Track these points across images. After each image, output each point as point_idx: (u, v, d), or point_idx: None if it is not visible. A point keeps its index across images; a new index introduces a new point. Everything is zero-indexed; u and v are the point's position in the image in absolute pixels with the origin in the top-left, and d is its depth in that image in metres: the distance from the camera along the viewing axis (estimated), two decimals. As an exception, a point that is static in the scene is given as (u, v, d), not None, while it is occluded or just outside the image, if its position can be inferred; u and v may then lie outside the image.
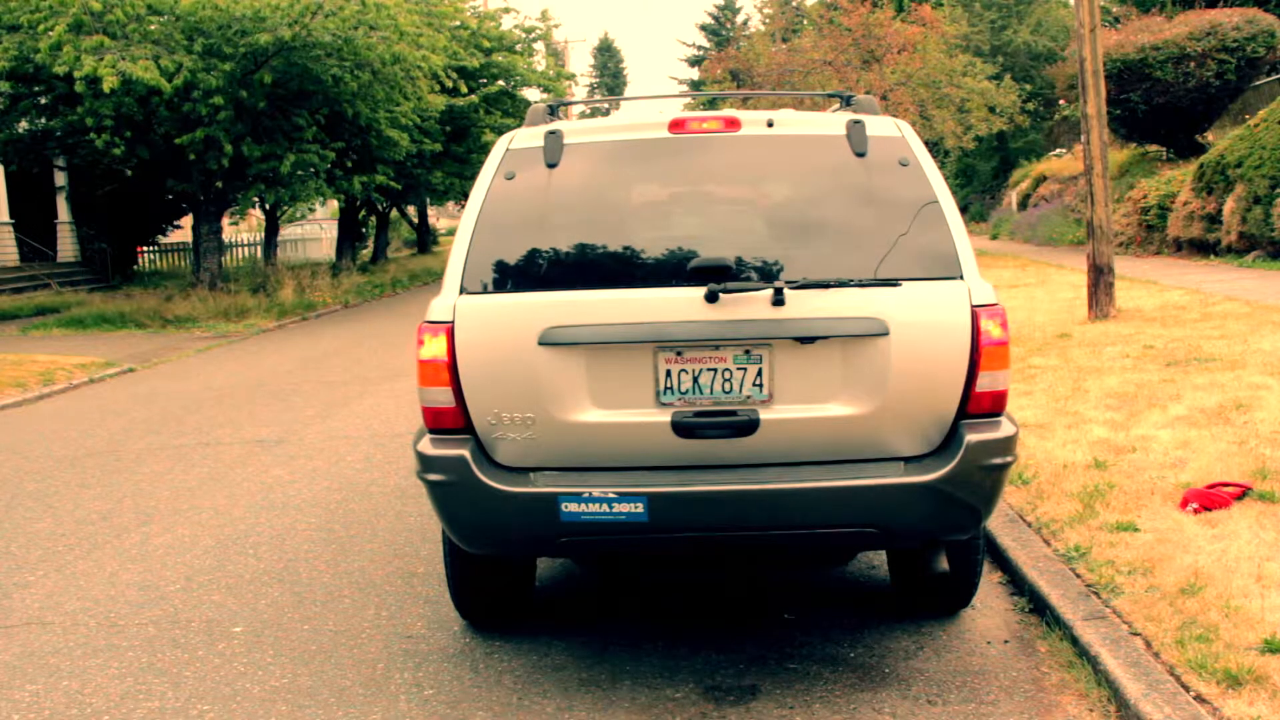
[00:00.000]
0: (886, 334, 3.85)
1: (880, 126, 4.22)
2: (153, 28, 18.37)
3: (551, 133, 4.22)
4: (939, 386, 3.90)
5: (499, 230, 4.07)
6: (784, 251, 4.02)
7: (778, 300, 3.82)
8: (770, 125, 4.22)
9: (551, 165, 4.17)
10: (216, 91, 18.42)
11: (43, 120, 22.13)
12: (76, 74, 17.26)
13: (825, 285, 3.88)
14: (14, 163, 24.50)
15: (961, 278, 3.95)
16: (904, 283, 3.90)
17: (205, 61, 18.31)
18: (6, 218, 28.07)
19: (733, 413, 3.89)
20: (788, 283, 3.86)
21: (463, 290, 4.00)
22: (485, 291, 4.00)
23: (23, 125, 22.23)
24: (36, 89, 20.17)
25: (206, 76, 18.17)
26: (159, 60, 17.71)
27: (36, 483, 7.94)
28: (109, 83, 16.92)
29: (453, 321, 3.95)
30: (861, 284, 3.89)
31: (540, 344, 3.88)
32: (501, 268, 4.03)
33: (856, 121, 4.19)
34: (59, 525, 6.76)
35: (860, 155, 4.12)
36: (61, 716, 4.15)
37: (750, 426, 3.87)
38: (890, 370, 3.86)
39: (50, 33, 17.29)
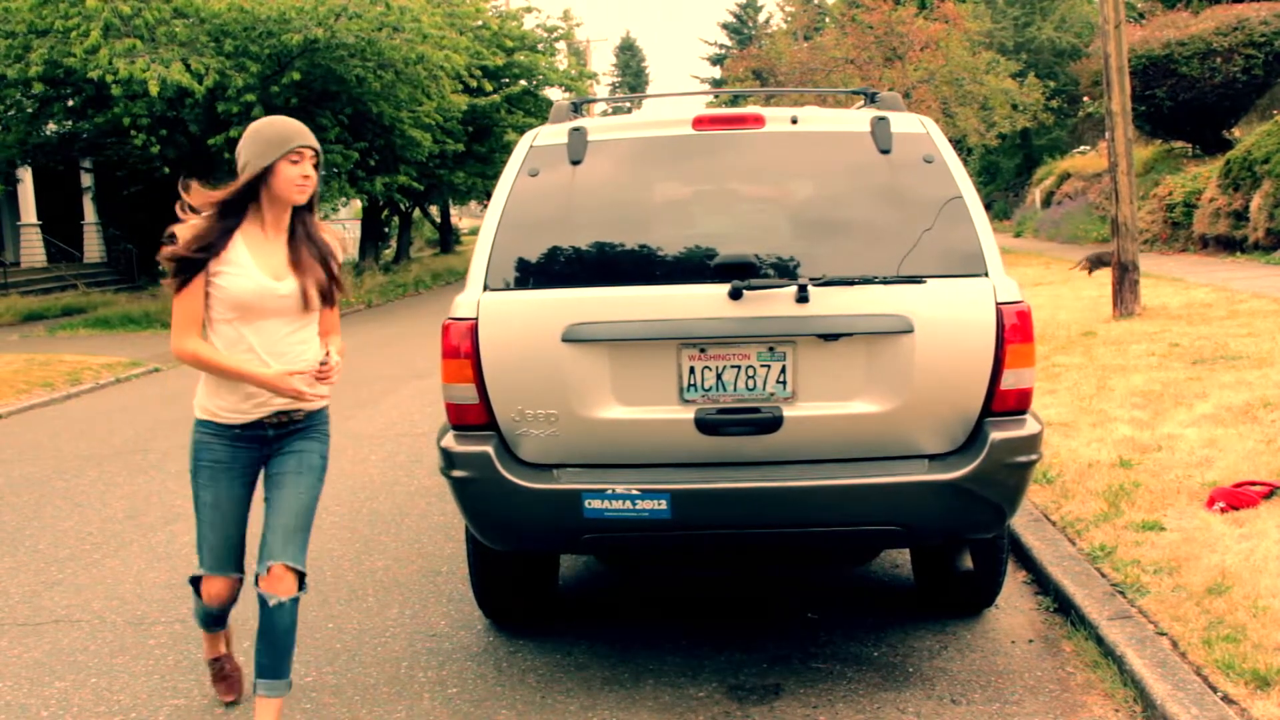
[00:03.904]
0: (911, 331, 3.83)
1: (905, 123, 4.19)
2: (178, 30, 18.50)
3: (575, 129, 4.21)
4: (963, 384, 3.87)
5: (523, 227, 4.06)
6: (808, 248, 4.00)
7: (801, 297, 3.80)
8: (794, 122, 4.20)
9: (575, 162, 4.16)
10: (248, 90, 18.53)
11: (70, 123, 22.31)
12: (110, 77, 17.39)
13: (849, 282, 3.86)
14: (42, 163, 24.73)
15: (986, 274, 3.92)
16: (929, 280, 3.87)
17: (234, 62, 18.43)
18: (34, 219, 28.36)
19: (756, 410, 3.87)
20: (811, 280, 3.84)
21: (486, 287, 4.00)
22: (509, 288, 4.00)
23: (50, 127, 22.42)
24: (65, 91, 20.33)
25: (235, 77, 18.28)
26: (188, 62, 17.84)
27: (65, 481, 8.01)
28: (154, 86, 17.07)
29: (477, 318, 3.95)
30: (886, 281, 3.86)
31: (564, 340, 3.87)
32: (525, 264, 4.03)
33: (881, 118, 4.16)
34: (87, 524, 6.81)
35: (885, 152, 4.09)
36: (89, 713, 4.18)
37: (774, 424, 3.86)
38: (915, 367, 3.84)
39: (85, 38, 17.42)
